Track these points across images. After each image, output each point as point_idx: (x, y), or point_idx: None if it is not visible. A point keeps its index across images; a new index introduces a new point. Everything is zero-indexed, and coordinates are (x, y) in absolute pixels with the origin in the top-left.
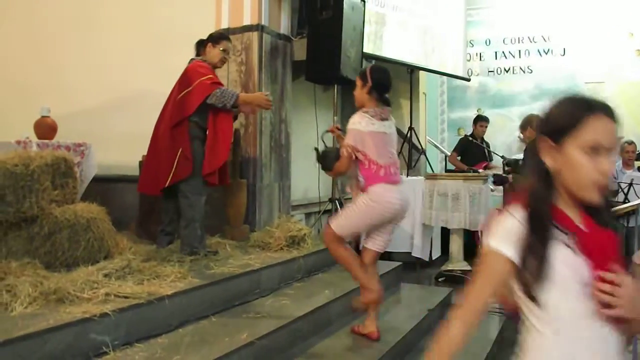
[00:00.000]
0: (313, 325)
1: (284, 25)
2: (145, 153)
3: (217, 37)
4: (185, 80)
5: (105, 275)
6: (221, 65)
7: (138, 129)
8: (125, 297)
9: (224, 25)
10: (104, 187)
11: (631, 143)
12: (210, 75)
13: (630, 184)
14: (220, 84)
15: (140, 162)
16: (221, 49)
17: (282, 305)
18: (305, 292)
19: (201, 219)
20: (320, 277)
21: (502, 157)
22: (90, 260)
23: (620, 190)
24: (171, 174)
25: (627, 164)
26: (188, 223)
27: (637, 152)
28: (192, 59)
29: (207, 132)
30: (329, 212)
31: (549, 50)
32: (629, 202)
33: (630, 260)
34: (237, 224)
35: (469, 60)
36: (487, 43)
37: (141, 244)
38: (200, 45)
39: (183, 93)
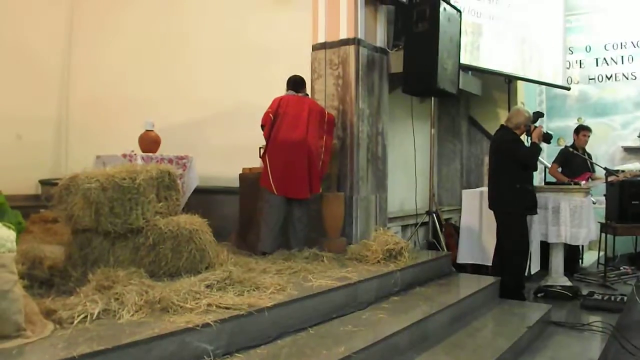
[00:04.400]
0: (410, 340)
1: (380, 38)
2: (245, 165)
3: None
4: (322, 110)
5: (207, 286)
6: None
7: (236, 141)
8: (227, 308)
9: (321, 39)
10: (205, 198)
11: None
12: None
13: None
14: None
15: (241, 175)
16: None
17: (379, 319)
18: (402, 306)
19: None
20: (417, 291)
21: (605, 168)
22: (192, 270)
23: None
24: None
25: None
26: (306, 225)
27: None
28: (307, 94)
29: None
30: (425, 225)
31: None
32: None
33: None
34: (335, 236)
35: (568, 68)
36: (588, 50)
37: (240, 255)
38: (301, 84)
39: (326, 116)
